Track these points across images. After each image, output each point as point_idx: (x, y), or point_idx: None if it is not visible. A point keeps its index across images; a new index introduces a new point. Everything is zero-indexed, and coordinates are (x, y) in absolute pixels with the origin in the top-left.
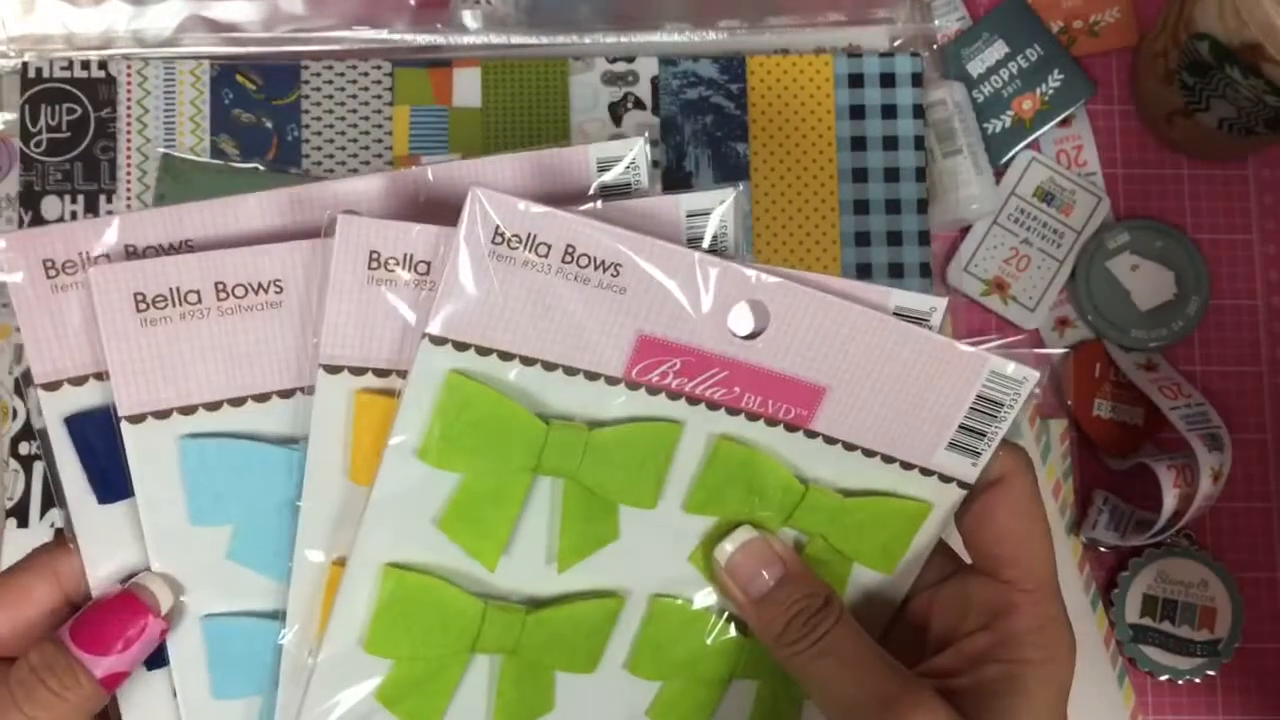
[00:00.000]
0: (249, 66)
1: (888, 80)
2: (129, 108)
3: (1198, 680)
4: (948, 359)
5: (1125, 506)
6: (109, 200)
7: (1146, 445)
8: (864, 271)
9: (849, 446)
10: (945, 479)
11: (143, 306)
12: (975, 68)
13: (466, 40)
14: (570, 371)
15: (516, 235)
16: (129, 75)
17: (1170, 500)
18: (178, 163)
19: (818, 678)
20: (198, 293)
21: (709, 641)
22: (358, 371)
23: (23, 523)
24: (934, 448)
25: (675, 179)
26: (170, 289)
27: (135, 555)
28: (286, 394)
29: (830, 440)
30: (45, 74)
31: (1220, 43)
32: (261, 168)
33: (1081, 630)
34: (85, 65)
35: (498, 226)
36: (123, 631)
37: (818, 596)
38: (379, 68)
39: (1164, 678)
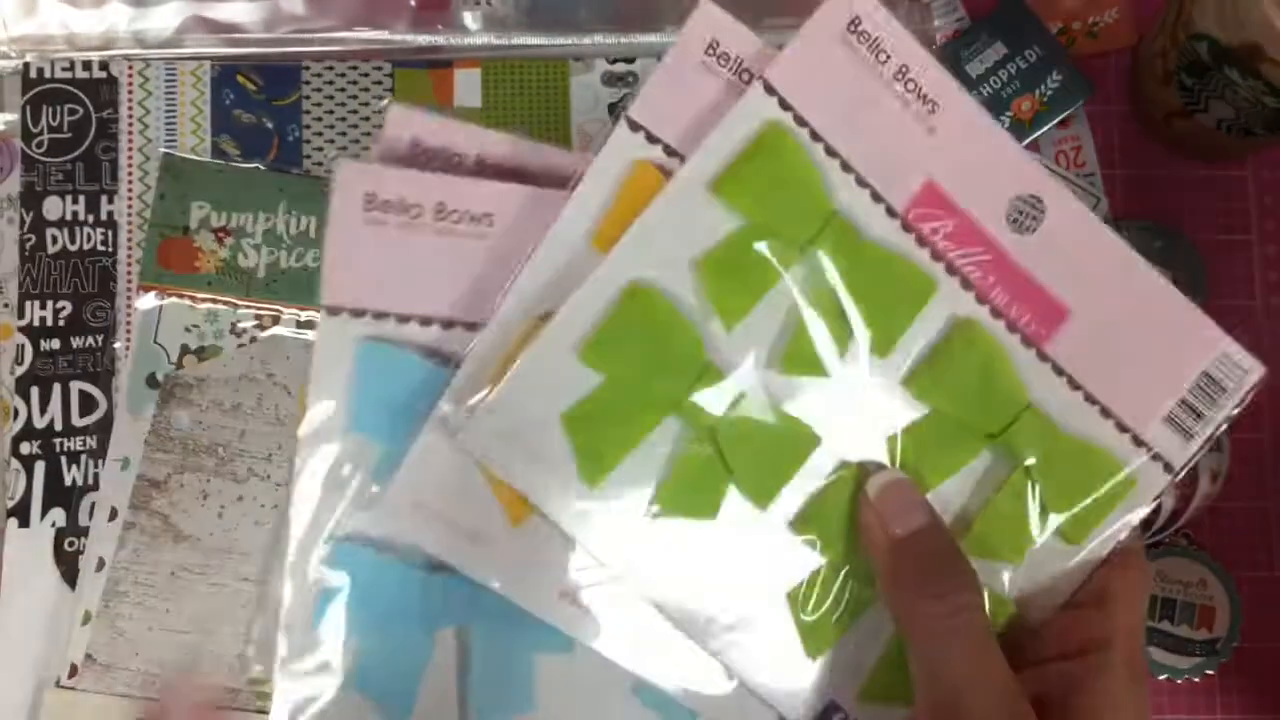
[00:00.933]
0: (250, 67)
1: None
2: (130, 108)
3: (1196, 679)
4: (1188, 326)
5: None
6: (110, 200)
7: None
8: None
9: (1074, 385)
10: (1155, 457)
11: (370, 207)
12: (974, 68)
13: (467, 41)
14: (861, 183)
15: (867, 29)
16: (130, 76)
17: (1169, 500)
18: (179, 163)
19: (936, 648)
20: (420, 207)
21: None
22: (653, 140)
23: (23, 523)
24: (1152, 416)
25: None
26: (398, 197)
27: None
28: (470, 326)
29: (1059, 371)
30: (46, 74)
31: (1219, 44)
32: (262, 168)
33: None
34: (86, 66)
35: (856, 15)
36: None
37: (960, 561)
38: (380, 68)
39: (1162, 677)
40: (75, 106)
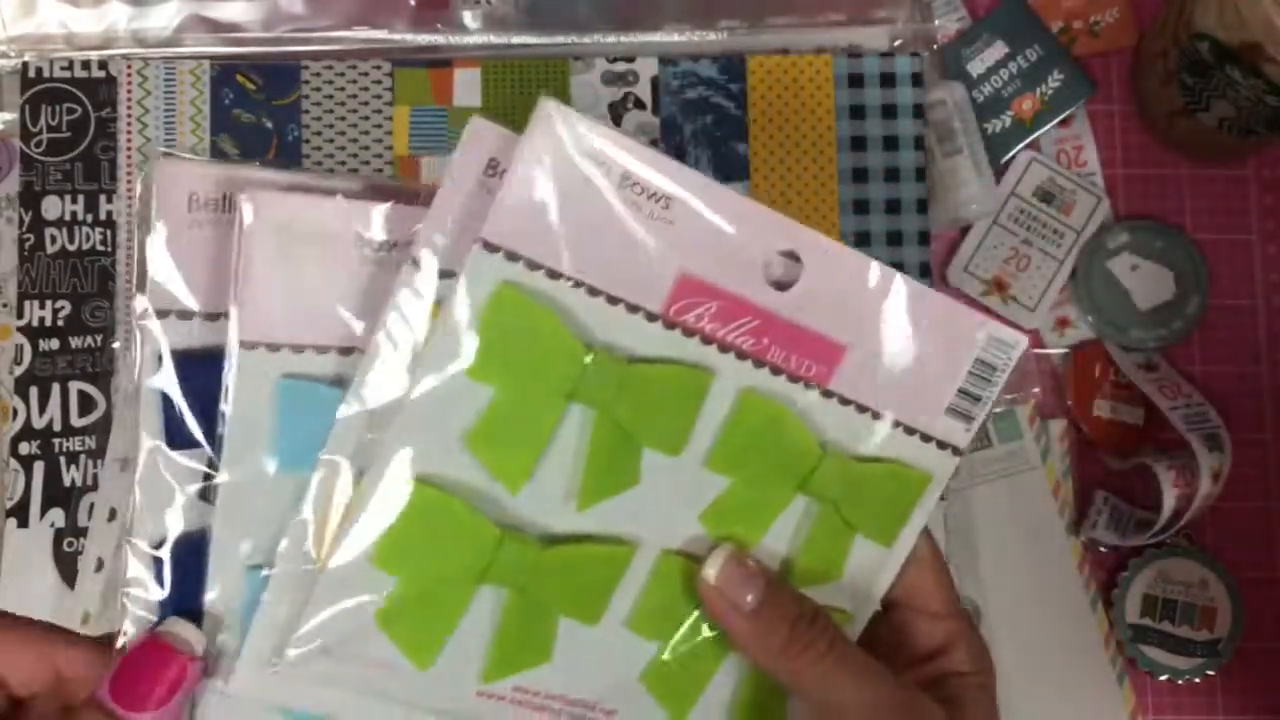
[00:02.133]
0: (249, 66)
1: (888, 80)
2: (129, 108)
3: (1198, 680)
4: (952, 321)
5: (1125, 507)
6: (109, 200)
7: (1146, 445)
8: None
9: (860, 408)
10: (943, 446)
11: (284, 239)
12: (975, 68)
13: (467, 40)
14: (613, 300)
15: (585, 153)
16: (129, 75)
17: (1170, 500)
18: None
19: (824, 686)
20: (337, 237)
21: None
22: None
23: (22, 522)
24: (935, 412)
25: None
26: (312, 230)
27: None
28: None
29: (845, 401)
30: (45, 74)
31: (1220, 43)
32: None
33: (1081, 630)
34: (85, 65)
35: (561, 140)
36: (162, 682)
37: (809, 604)
38: (379, 68)
39: (1164, 678)
40: (74, 106)
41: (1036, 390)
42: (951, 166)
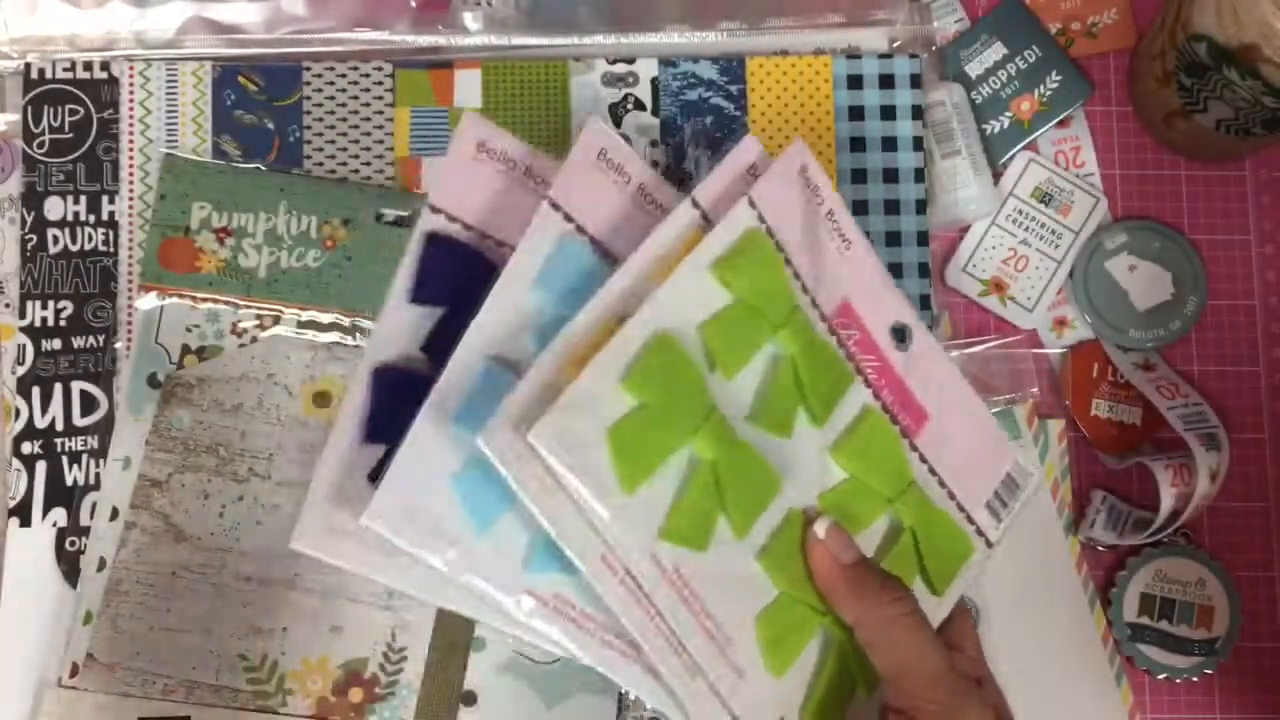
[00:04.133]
0: (251, 68)
1: (886, 81)
2: (131, 108)
3: (1195, 679)
4: (997, 438)
5: (1123, 506)
6: (111, 201)
7: (1144, 445)
8: None
9: (932, 471)
10: (979, 532)
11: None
12: (974, 69)
13: (467, 41)
14: (805, 290)
15: (807, 179)
16: (131, 76)
17: (1168, 499)
18: (180, 163)
19: (899, 639)
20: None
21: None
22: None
23: (25, 522)
24: (978, 503)
25: (675, 179)
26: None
27: None
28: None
29: (923, 459)
30: (48, 75)
31: (1218, 44)
32: (263, 168)
33: (1080, 629)
34: (88, 66)
35: (805, 170)
36: None
37: (893, 577)
38: (380, 69)
39: (1162, 676)
40: (76, 107)
41: (1035, 390)
42: (950, 167)
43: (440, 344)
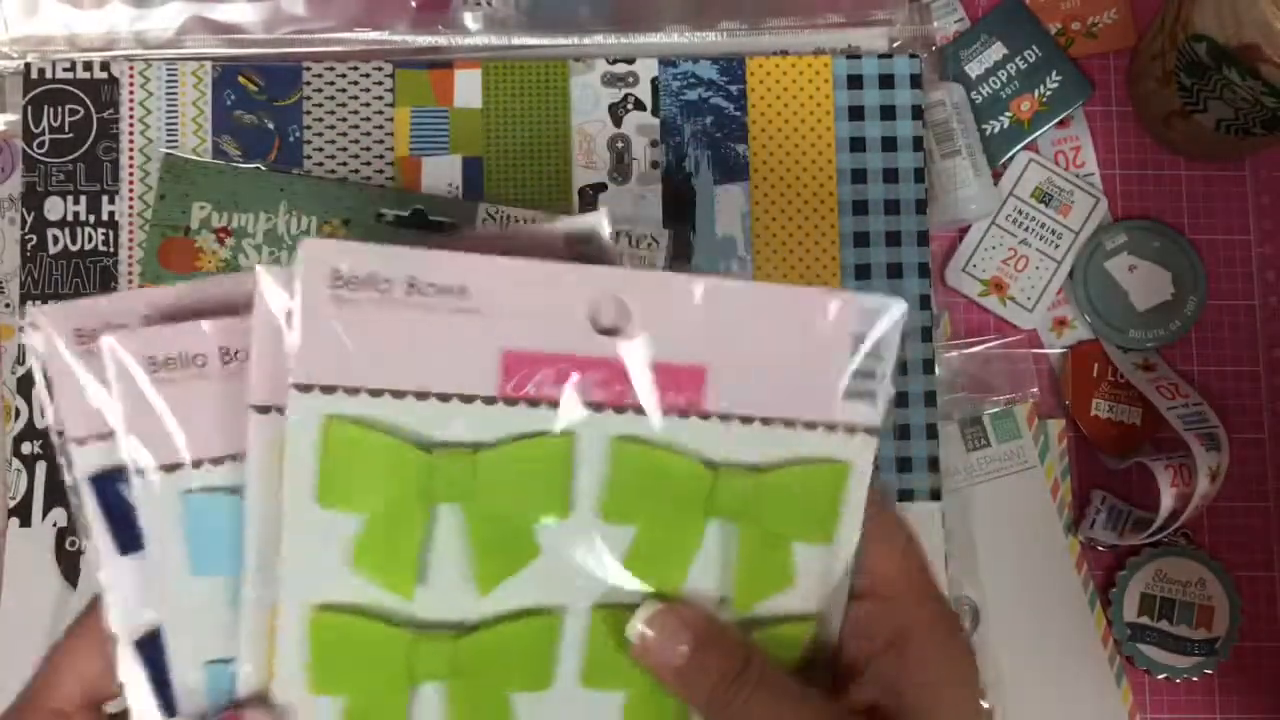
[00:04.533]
0: (251, 68)
1: (886, 81)
2: (131, 109)
3: (1195, 679)
4: (814, 308)
5: (1123, 506)
6: (111, 201)
7: (1144, 445)
8: (862, 272)
9: (746, 420)
10: (851, 430)
11: (154, 368)
12: (974, 69)
13: (467, 41)
14: (444, 398)
15: (355, 276)
16: (131, 76)
17: (1168, 499)
18: (180, 163)
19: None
20: (204, 355)
21: None
22: (329, 390)
23: (25, 522)
24: (830, 400)
25: (675, 180)
26: (179, 353)
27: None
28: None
29: (725, 418)
30: (48, 75)
31: (1218, 44)
32: (263, 168)
33: (1079, 629)
34: (88, 66)
35: (334, 270)
36: None
37: (736, 659)
38: (380, 69)
39: (1162, 676)
40: (76, 107)
41: (1035, 390)
42: (950, 167)
43: None
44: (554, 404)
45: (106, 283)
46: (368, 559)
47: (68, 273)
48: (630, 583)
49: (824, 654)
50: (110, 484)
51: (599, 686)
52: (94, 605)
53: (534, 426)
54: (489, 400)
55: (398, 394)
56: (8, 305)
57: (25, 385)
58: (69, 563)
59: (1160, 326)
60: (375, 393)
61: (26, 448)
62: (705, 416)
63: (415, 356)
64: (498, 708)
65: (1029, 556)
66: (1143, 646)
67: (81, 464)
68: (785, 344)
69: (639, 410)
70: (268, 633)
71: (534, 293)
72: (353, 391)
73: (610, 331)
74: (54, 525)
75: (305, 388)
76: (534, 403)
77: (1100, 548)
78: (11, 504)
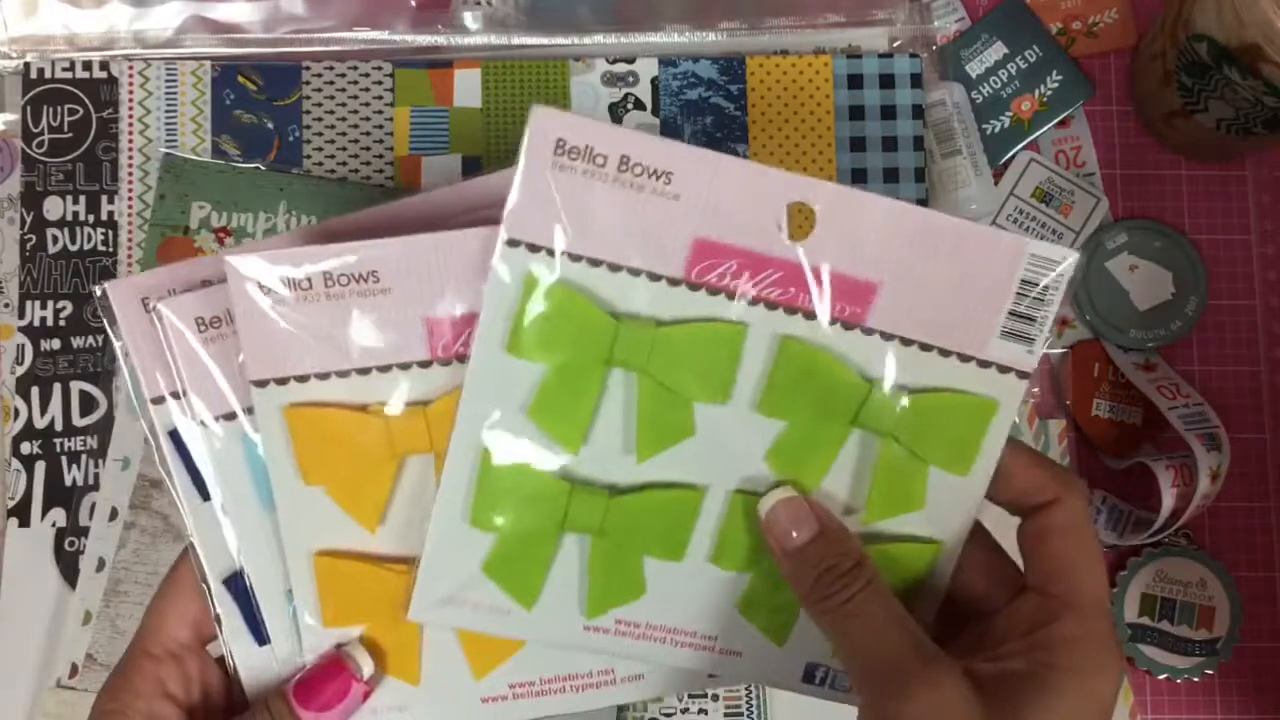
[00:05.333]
0: (250, 67)
1: (887, 81)
2: (131, 108)
3: (1196, 679)
4: (988, 246)
5: (1124, 506)
6: (111, 200)
7: (1145, 445)
8: None
9: (905, 341)
10: (1004, 369)
11: (202, 327)
12: (974, 69)
13: (467, 41)
14: (634, 272)
15: (575, 147)
16: (131, 76)
17: (1169, 500)
18: (179, 163)
19: (841, 635)
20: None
21: None
22: (535, 249)
23: (24, 522)
24: (988, 337)
25: None
26: (226, 311)
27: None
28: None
29: (887, 336)
30: (47, 74)
31: (1219, 44)
32: (263, 168)
33: None
34: (87, 66)
35: (559, 139)
36: (335, 693)
37: (849, 558)
38: (380, 68)
39: (1162, 676)
40: (76, 106)
41: (1035, 390)
42: (951, 167)
43: None
44: (732, 295)
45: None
46: (543, 409)
47: (67, 272)
48: (771, 474)
49: (939, 585)
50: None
51: (726, 566)
52: (184, 555)
53: (712, 312)
54: (674, 281)
55: (594, 262)
56: (7, 305)
57: (24, 385)
58: (68, 563)
59: (1161, 326)
60: (574, 257)
61: (26, 448)
62: (869, 332)
63: (616, 230)
64: (631, 569)
65: None
66: (1143, 647)
67: (160, 421)
68: (955, 276)
69: (809, 314)
70: (313, 585)
71: (731, 188)
72: (554, 254)
73: (798, 235)
74: (53, 525)
75: (514, 243)
76: (714, 290)
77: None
78: (10, 504)
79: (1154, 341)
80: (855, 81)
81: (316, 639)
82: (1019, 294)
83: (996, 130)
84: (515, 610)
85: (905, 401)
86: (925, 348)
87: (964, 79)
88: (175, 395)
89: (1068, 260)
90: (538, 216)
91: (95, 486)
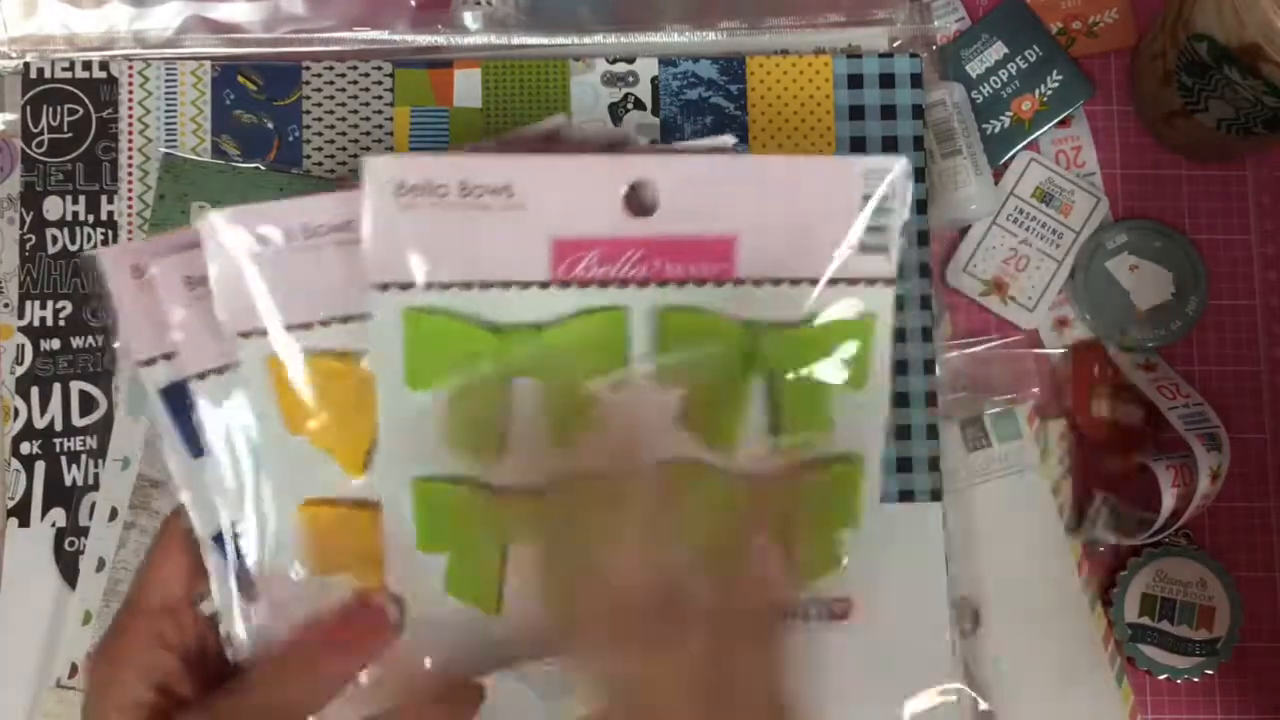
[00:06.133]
0: (250, 67)
1: (887, 81)
2: (130, 108)
3: (1196, 679)
4: (825, 173)
5: (1124, 506)
6: (110, 201)
7: (1145, 445)
8: None
9: (775, 282)
10: (871, 282)
11: (191, 286)
12: (974, 68)
13: (467, 41)
14: (505, 285)
15: (415, 185)
16: (130, 76)
17: (1169, 500)
18: (179, 163)
19: None
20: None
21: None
22: (405, 287)
23: (24, 522)
24: (847, 256)
25: None
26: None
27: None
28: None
29: (757, 282)
30: (47, 74)
31: (1219, 43)
32: (263, 168)
33: (1080, 629)
34: (87, 66)
35: (399, 183)
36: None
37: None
38: (380, 68)
39: (1163, 677)
40: (75, 106)
41: (1035, 390)
42: (951, 167)
43: None
44: (603, 283)
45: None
46: (458, 432)
47: (66, 272)
48: (689, 441)
49: (874, 492)
50: (178, 396)
51: (666, 381)
52: (175, 514)
53: (587, 304)
54: (544, 285)
55: (465, 285)
56: (6, 305)
57: (24, 385)
58: (67, 563)
59: (1161, 326)
60: (444, 286)
61: (25, 448)
62: (739, 283)
63: (475, 251)
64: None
65: (1029, 557)
66: (1144, 647)
67: (151, 381)
68: (803, 209)
69: (680, 282)
70: (300, 533)
71: (572, 184)
72: (424, 287)
73: (645, 212)
74: (53, 525)
75: (383, 287)
76: (584, 283)
77: (1101, 548)
78: (10, 504)
79: (1154, 341)
80: (855, 81)
81: (308, 589)
82: (863, 208)
83: (996, 130)
84: (483, 618)
85: (789, 336)
86: (794, 282)
87: (964, 79)
88: (165, 357)
89: (897, 166)
90: (396, 256)
91: (95, 486)
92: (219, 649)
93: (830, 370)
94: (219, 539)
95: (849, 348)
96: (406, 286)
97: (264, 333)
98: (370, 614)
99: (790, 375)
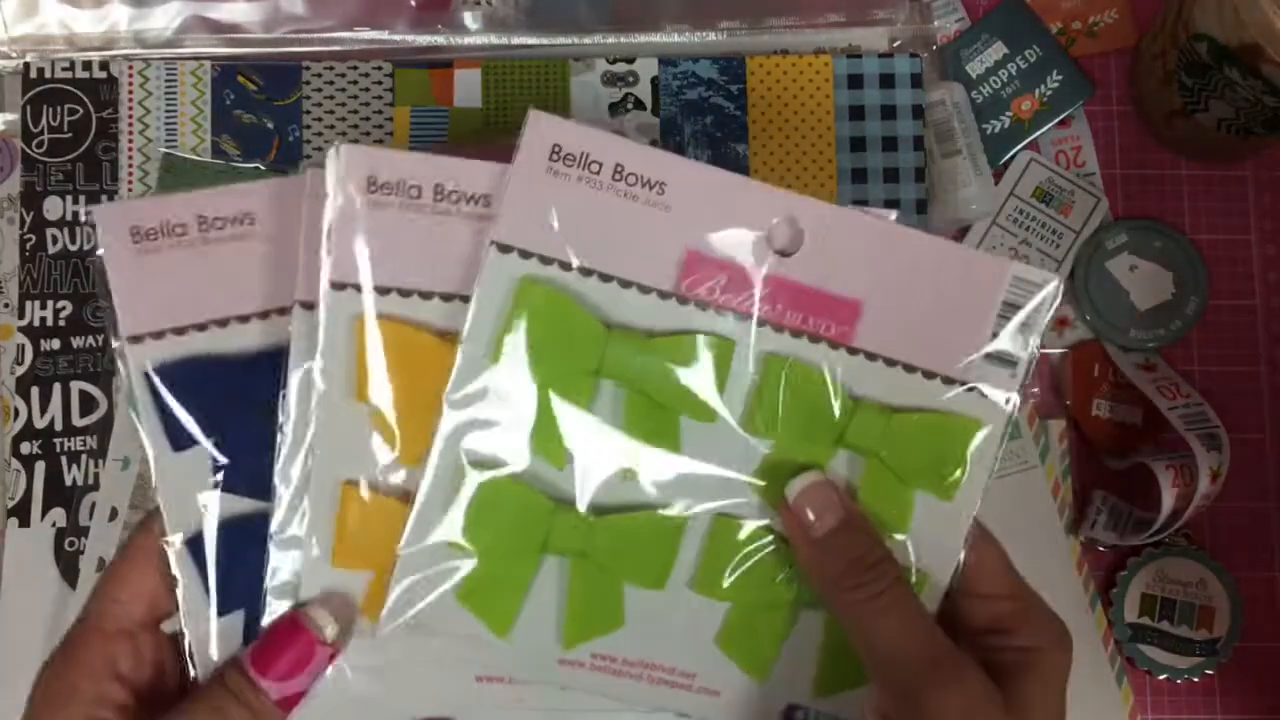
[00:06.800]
0: (250, 67)
1: (887, 81)
2: (130, 108)
3: (1196, 679)
4: (972, 266)
5: (1124, 506)
6: (110, 200)
7: (1145, 445)
8: None
9: (890, 362)
10: (991, 394)
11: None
12: (974, 68)
13: (467, 41)
14: (625, 284)
15: (570, 154)
16: (130, 76)
17: (1169, 500)
18: (179, 163)
19: (869, 630)
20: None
21: (778, 574)
22: (526, 256)
23: (24, 522)
24: (972, 360)
25: None
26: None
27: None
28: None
29: (871, 356)
30: (47, 74)
31: (1219, 44)
32: (263, 168)
33: (1080, 629)
34: (87, 66)
35: (555, 145)
36: (297, 659)
37: (876, 550)
38: (380, 68)
39: (1162, 677)
40: (75, 106)
41: (1035, 390)
42: (951, 167)
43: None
44: (721, 309)
45: (106, 282)
46: (536, 425)
47: (66, 272)
48: (754, 496)
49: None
50: (166, 379)
51: (707, 594)
52: (143, 525)
53: (699, 325)
54: (664, 295)
55: (586, 271)
56: (7, 305)
57: (24, 385)
58: (68, 563)
59: (1161, 326)
60: (565, 265)
61: (25, 448)
62: (854, 351)
63: (608, 239)
64: (611, 597)
65: (1029, 556)
66: (1143, 647)
67: (136, 361)
68: (940, 297)
69: (795, 332)
70: (333, 515)
71: (725, 200)
72: (546, 261)
73: (784, 252)
74: (53, 525)
75: (506, 248)
76: (703, 304)
77: (1101, 548)
78: (10, 504)
79: (1154, 341)
80: (855, 81)
81: (319, 576)
82: (1000, 316)
83: (996, 130)
84: (490, 640)
85: (889, 421)
86: (909, 369)
87: (964, 79)
88: (155, 335)
89: (1050, 285)
90: (530, 222)
91: (95, 486)
92: (177, 676)
93: (919, 469)
94: (195, 542)
95: (948, 453)
96: (528, 255)
97: (358, 288)
98: (301, 641)
99: (878, 462)
